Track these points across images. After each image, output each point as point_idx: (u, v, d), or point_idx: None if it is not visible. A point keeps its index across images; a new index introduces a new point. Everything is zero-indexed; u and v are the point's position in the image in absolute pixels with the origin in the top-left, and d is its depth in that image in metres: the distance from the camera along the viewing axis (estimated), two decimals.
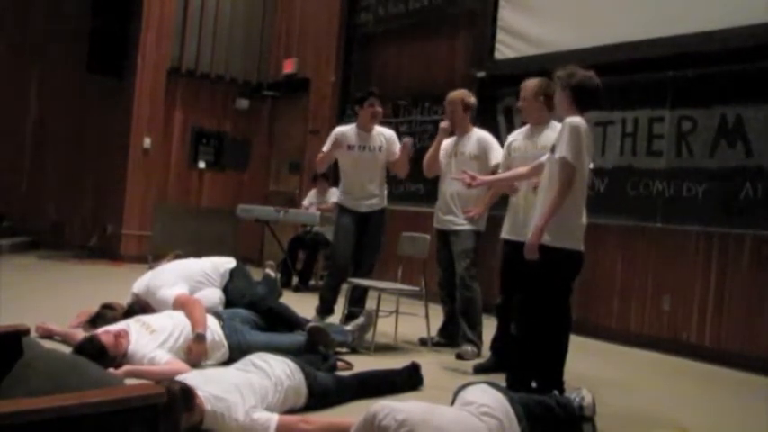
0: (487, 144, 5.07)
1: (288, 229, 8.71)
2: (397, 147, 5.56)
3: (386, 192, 5.69)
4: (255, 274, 5.26)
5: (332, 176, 8.11)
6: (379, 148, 5.54)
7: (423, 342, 5.20)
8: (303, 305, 5.42)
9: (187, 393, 2.69)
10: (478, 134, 5.14)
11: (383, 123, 5.87)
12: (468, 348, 4.89)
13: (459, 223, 5.05)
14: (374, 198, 5.54)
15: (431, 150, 5.29)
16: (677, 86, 5.92)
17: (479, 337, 5.00)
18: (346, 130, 5.57)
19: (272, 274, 5.21)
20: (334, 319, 5.45)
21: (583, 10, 6.64)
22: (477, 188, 4.57)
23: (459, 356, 4.83)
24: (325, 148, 5.56)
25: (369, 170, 5.52)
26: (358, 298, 5.49)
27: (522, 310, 3.75)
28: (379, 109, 5.57)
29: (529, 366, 3.66)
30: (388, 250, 6.19)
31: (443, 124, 5.21)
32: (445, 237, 5.18)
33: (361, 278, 5.35)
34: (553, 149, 3.65)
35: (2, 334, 2.02)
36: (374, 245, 5.56)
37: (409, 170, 5.68)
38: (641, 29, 6.04)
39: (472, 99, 5.23)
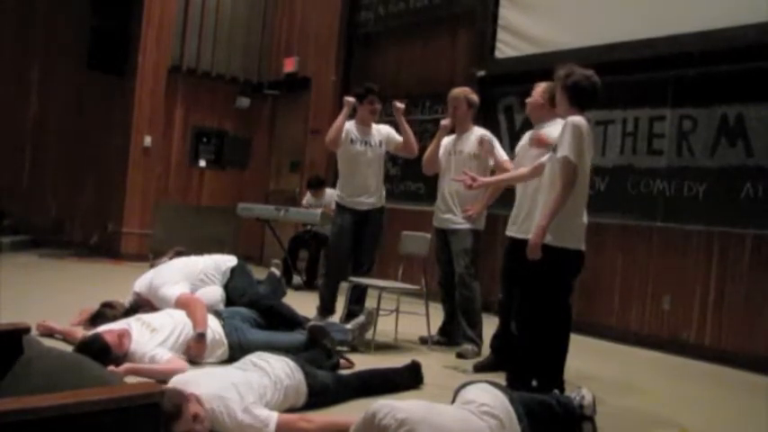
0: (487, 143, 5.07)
1: (288, 228, 8.71)
2: (397, 137, 5.56)
3: (384, 191, 5.68)
4: (257, 273, 5.26)
5: (331, 177, 8.12)
6: (380, 144, 5.55)
7: (423, 341, 5.19)
8: (304, 304, 5.42)
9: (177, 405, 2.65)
10: (478, 132, 5.13)
11: (383, 122, 5.87)
12: (469, 347, 4.89)
13: (458, 222, 5.05)
14: (374, 196, 5.53)
15: (430, 147, 5.27)
16: (678, 85, 5.92)
17: (479, 335, 5.00)
18: (348, 126, 5.57)
19: (277, 273, 5.20)
20: (335, 317, 5.45)
21: (583, 9, 6.64)
22: (477, 189, 4.57)
23: (460, 355, 4.83)
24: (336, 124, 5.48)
25: (369, 166, 5.51)
26: (358, 297, 5.48)
27: (523, 309, 3.75)
28: (378, 106, 5.57)
29: (529, 365, 3.65)
30: (388, 249, 6.20)
31: (445, 122, 5.19)
32: (444, 235, 5.17)
33: (361, 277, 5.35)
34: (554, 149, 3.66)
35: (2, 332, 2.02)
36: (373, 243, 5.55)
37: (417, 148, 5.53)
38: (642, 28, 6.04)
39: (474, 96, 5.24)
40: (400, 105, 5.43)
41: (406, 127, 5.49)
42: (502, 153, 5.06)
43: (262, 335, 4.12)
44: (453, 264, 5.07)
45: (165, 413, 2.46)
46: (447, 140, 5.25)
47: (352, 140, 5.49)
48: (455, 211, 5.07)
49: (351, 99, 5.49)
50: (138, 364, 3.55)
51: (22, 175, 9.71)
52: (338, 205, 5.63)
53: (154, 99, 9.23)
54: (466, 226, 5.03)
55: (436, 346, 5.14)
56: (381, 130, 5.61)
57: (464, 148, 5.09)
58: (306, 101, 9.71)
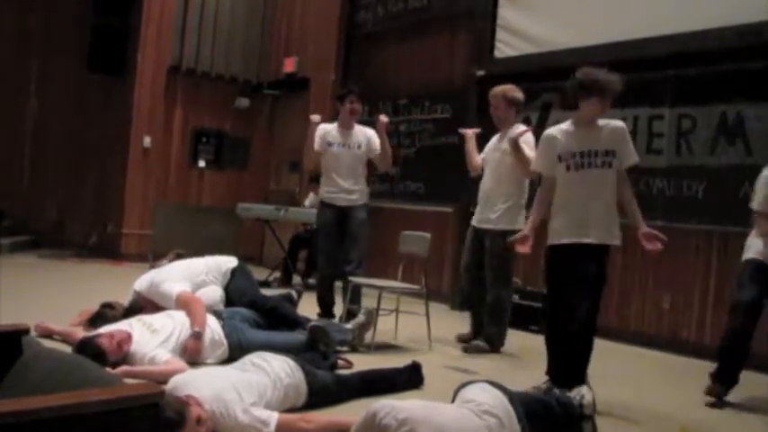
0: (530, 140, 4.89)
1: (288, 228, 8.71)
2: (377, 144, 5.55)
3: (367, 189, 5.68)
4: (257, 273, 5.25)
5: None
6: (359, 146, 5.55)
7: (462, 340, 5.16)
8: (304, 304, 5.41)
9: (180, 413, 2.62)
10: (520, 128, 5.06)
11: (365, 123, 5.87)
12: (480, 344, 4.90)
13: (493, 222, 5.00)
14: (353, 194, 5.53)
15: (466, 147, 5.30)
16: (677, 84, 5.91)
17: (499, 337, 5.00)
18: (330, 127, 5.59)
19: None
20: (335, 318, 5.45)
21: (582, 8, 6.63)
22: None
23: (466, 349, 4.87)
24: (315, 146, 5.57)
25: (348, 167, 5.52)
26: (354, 296, 5.45)
27: (581, 310, 3.81)
28: (358, 106, 5.57)
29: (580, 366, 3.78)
30: (388, 249, 6.19)
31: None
32: (479, 235, 5.10)
33: (350, 275, 5.32)
34: None
35: (2, 333, 2.02)
36: (357, 240, 5.48)
37: (392, 162, 5.57)
38: (641, 27, 6.03)
39: (517, 94, 5.09)
40: (384, 120, 5.43)
41: (386, 144, 5.49)
42: (530, 152, 4.73)
43: (262, 335, 4.12)
44: (485, 267, 5.02)
45: (168, 422, 2.45)
46: (492, 139, 5.20)
47: (329, 143, 5.51)
48: (492, 210, 5.01)
49: (315, 117, 5.51)
50: (138, 364, 3.55)
51: (22, 175, 9.71)
52: (321, 202, 5.66)
53: (153, 99, 9.23)
54: (502, 227, 4.92)
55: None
56: (365, 132, 5.61)
57: (502, 146, 5.02)
58: (305, 101, 9.70)
